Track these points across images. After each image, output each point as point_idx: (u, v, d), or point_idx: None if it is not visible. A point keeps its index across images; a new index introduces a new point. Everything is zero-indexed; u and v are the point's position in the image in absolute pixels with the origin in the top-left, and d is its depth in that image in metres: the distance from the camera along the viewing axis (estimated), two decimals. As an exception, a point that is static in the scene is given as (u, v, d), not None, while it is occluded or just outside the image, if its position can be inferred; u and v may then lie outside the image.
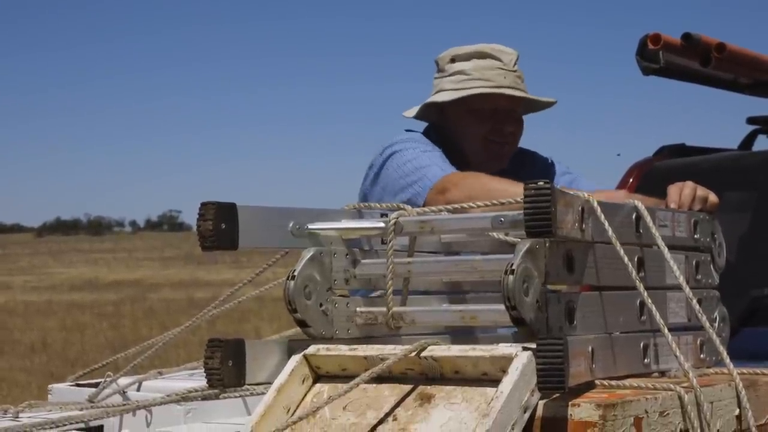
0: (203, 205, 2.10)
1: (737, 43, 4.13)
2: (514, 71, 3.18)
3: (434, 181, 2.91)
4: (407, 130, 3.24)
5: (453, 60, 3.21)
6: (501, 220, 2.10)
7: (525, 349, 1.92)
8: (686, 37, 3.99)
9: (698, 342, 2.43)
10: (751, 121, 5.01)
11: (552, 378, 1.88)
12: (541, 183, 1.90)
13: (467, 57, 3.19)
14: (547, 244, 1.99)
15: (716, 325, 2.48)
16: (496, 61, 3.17)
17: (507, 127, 3.18)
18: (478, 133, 3.16)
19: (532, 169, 3.25)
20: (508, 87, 3.15)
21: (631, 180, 4.54)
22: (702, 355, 2.43)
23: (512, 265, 1.92)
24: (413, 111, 3.25)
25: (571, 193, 2.02)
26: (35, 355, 14.27)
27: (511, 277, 1.90)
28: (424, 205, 2.77)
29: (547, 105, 3.29)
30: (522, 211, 1.95)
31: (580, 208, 2.02)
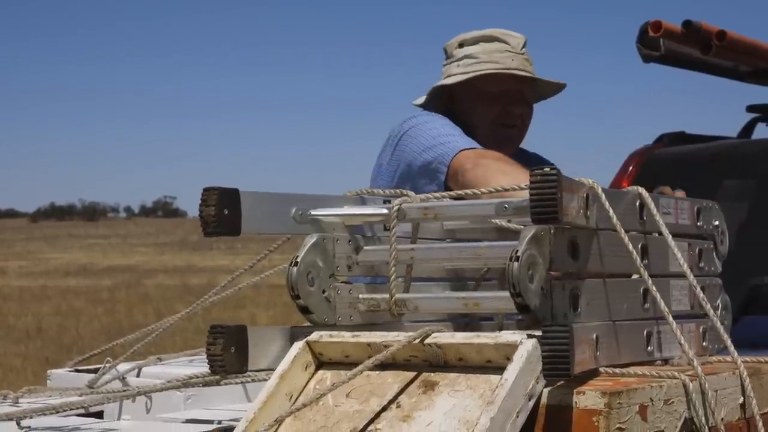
0: (206, 190, 2.08)
1: (738, 31, 4.12)
2: (522, 54, 3.19)
3: (461, 147, 2.91)
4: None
5: (461, 45, 3.22)
6: (505, 207, 2.09)
7: (530, 336, 1.91)
8: (687, 24, 3.98)
9: (701, 330, 2.42)
10: (750, 109, 5.01)
11: (557, 365, 1.87)
12: (547, 169, 1.89)
13: (474, 41, 3.20)
14: (552, 231, 1.98)
15: (719, 313, 2.48)
16: (503, 44, 3.18)
17: (516, 108, 3.18)
18: (488, 116, 3.16)
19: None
20: (516, 69, 3.15)
21: (630, 168, 4.54)
22: (704, 343, 2.43)
23: (517, 251, 1.91)
24: (422, 99, 3.25)
25: (576, 179, 2.01)
26: (30, 341, 14.26)
27: (516, 263, 1.89)
28: (447, 168, 2.86)
29: (557, 88, 3.28)
30: (526, 198, 1.93)
31: (584, 195, 2.01)
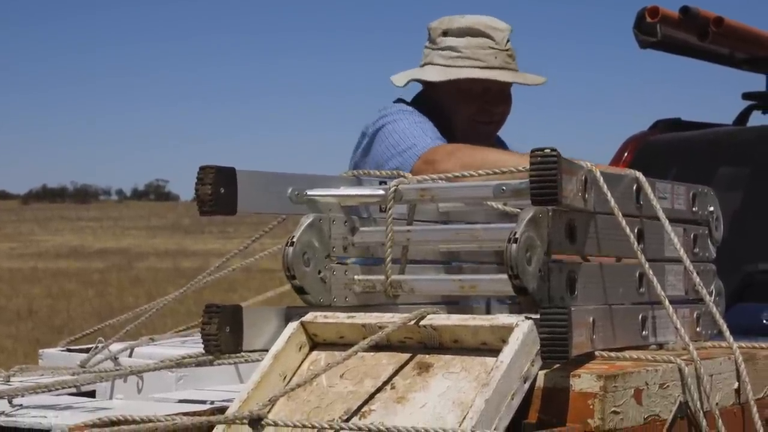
0: (202, 168, 2.07)
1: (735, 18, 4.12)
2: (506, 50, 3.14)
3: (423, 152, 2.89)
4: (400, 99, 3.21)
5: (445, 33, 3.16)
6: (503, 189, 2.08)
7: (527, 318, 1.91)
8: (684, 10, 3.98)
9: (695, 315, 2.42)
10: (746, 96, 5.01)
11: (556, 347, 1.87)
12: (547, 150, 1.88)
13: (460, 33, 3.14)
14: (550, 213, 1.97)
15: (713, 299, 2.47)
16: (488, 39, 3.12)
17: (496, 107, 3.17)
18: (467, 112, 3.13)
19: None
20: (499, 68, 3.11)
21: (626, 154, 4.54)
22: (698, 329, 2.43)
23: (515, 233, 1.90)
24: (402, 80, 3.20)
25: (575, 162, 2.00)
26: (21, 322, 14.24)
27: (514, 245, 1.88)
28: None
29: (537, 83, 3.24)
30: (524, 180, 1.92)
31: (583, 178, 2.01)
